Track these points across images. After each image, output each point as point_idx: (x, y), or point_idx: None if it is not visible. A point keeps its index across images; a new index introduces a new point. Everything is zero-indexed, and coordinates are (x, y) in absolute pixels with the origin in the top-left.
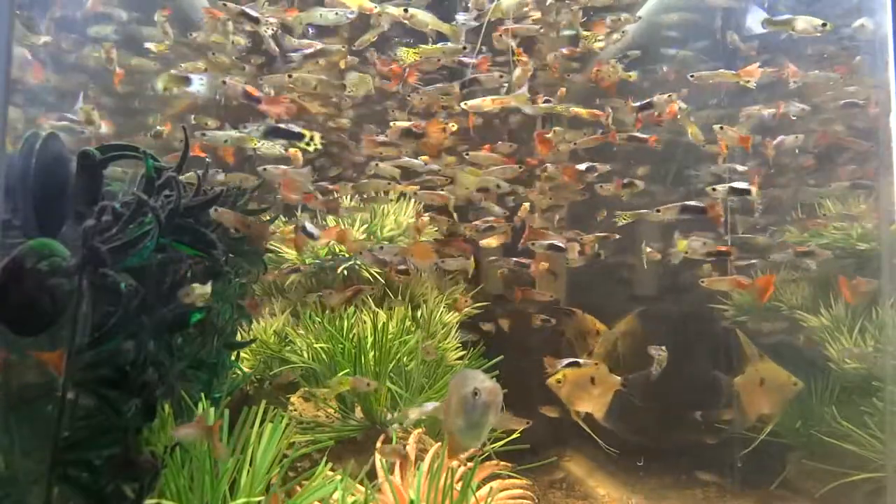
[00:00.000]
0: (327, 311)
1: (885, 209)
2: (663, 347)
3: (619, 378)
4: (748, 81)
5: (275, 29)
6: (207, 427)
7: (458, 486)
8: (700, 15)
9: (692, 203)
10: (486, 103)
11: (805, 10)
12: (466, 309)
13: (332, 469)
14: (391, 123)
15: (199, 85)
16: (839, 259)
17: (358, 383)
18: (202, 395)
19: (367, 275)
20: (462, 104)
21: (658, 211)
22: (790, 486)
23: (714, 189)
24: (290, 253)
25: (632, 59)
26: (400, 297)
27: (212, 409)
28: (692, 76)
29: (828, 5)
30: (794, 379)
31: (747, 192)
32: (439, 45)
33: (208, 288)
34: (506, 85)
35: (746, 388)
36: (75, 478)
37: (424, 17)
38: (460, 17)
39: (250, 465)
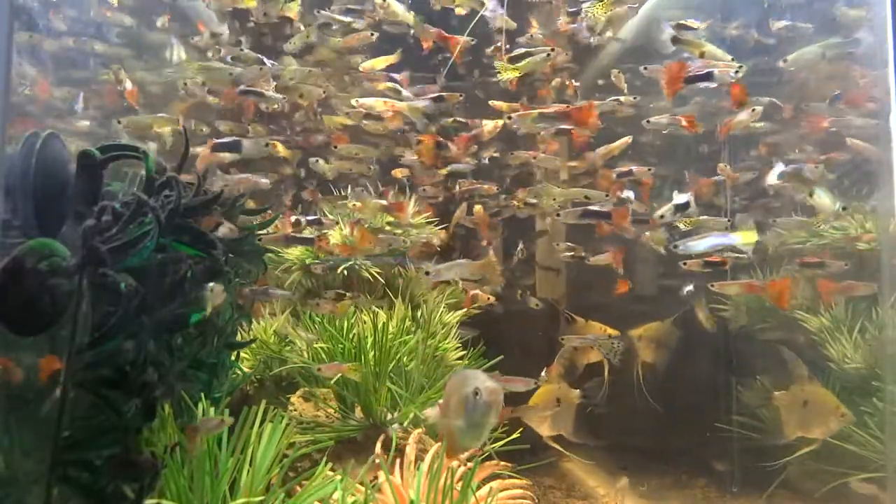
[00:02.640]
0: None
1: (885, 209)
2: (615, 339)
3: (577, 392)
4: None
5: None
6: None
7: (458, 486)
8: (700, 14)
9: (595, 208)
10: (379, 105)
11: (805, 9)
12: (466, 309)
13: (332, 469)
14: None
15: None
16: (839, 259)
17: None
18: (202, 395)
19: (367, 275)
20: (354, 101)
21: (558, 215)
22: (790, 486)
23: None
24: (290, 253)
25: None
26: (400, 298)
27: (212, 409)
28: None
29: (828, 3)
30: (843, 409)
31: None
32: (531, 59)
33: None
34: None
35: (788, 407)
36: (75, 478)
37: (397, 8)
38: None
39: (250, 465)
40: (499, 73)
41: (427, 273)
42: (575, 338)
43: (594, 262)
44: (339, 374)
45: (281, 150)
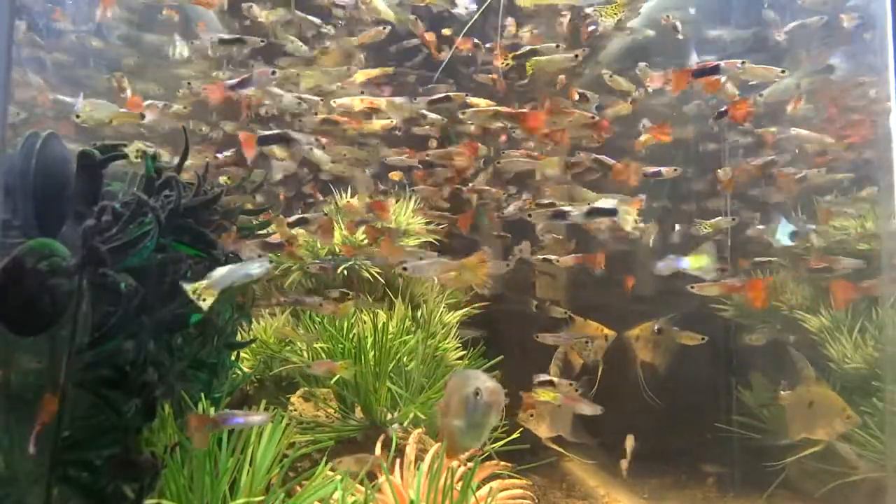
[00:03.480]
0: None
1: (885, 209)
2: (588, 339)
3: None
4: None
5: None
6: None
7: (458, 486)
8: (698, 13)
9: (563, 208)
10: (356, 103)
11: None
12: (466, 309)
13: (332, 469)
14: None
15: None
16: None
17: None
18: (202, 395)
19: (367, 275)
20: (332, 101)
21: (530, 216)
22: (790, 486)
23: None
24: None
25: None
26: (400, 298)
27: (212, 409)
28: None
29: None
30: (848, 411)
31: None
32: (553, 56)
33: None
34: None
35: (793, 407)
36: (75, 478)
37: (379, 5)
38: None
39: (250, 465)
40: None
41: (405, 269)
42: (549, 336)
43: (563, 264)
44: (336, 373)
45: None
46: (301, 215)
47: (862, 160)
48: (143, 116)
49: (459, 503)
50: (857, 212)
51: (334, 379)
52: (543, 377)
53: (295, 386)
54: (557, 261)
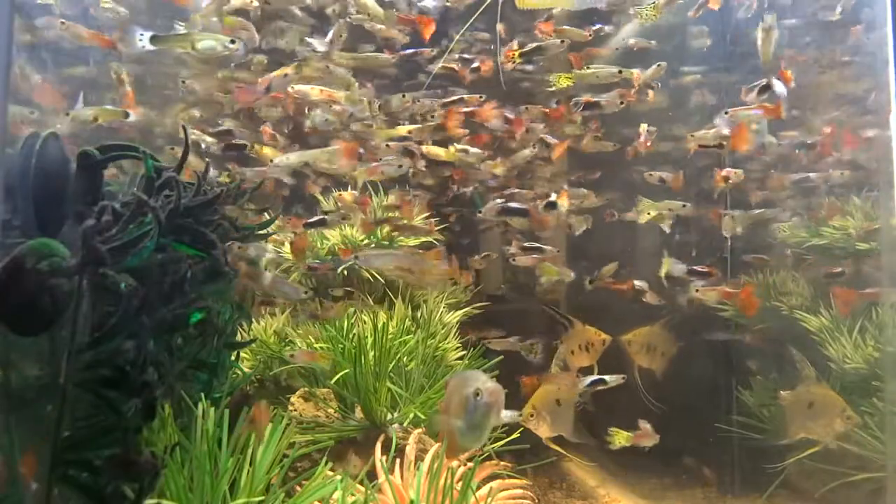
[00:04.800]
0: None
1: (885, 209)
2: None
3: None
4: None
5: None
6: None
7: (458, 486)
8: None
9: (514, 205)
10: (315, 92)
11: (805, 8)
12: (466, 309)
13: (332, 469)
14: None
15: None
16: (838, 258)
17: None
18: (202, 395)
19: (367, 275)
20: (290, 87)
21: (480, 213)
22: (790, 486)
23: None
24: (289, 252)
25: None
26: (400, 298)
27: (212, 409)
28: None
29: (827, 5)
30: (848, 411)
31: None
32: (598, 70)
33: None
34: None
35: (792, 407)
36: (75, 478)
37: (368, 2)
38: None
39: (250, 465)
40: (554, 82)
41: (356, 258)
42: (497, 340)
43: (520, 263)
44: (317, 362)
45: (269, 151)
46: (321, 216)
47: (862, 159)
48: (126, 115)
49: (459, 503)
50: (861, 211)
51: (335, 379)
52: (594, 377)
53: (295, 386)
54: (514, 259)
